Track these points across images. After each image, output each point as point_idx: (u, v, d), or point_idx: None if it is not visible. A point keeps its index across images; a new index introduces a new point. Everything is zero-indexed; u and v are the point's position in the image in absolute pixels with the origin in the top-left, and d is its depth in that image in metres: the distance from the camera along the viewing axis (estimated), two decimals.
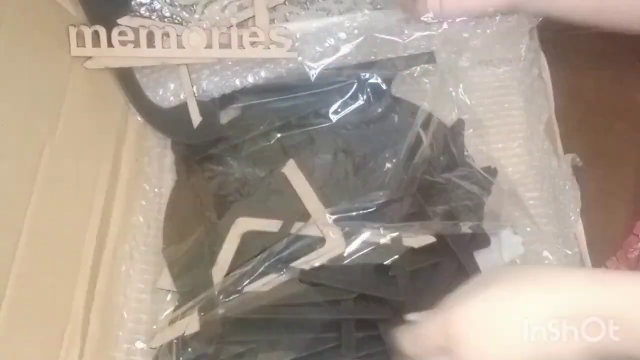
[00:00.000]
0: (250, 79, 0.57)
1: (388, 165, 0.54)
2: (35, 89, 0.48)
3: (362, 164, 0.55)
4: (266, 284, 0.49)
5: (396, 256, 0.49)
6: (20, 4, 0.46)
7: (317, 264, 0.49)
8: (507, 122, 0.59)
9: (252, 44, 0.54)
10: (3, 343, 0.40)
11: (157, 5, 0.55)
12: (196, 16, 0.56)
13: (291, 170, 0.55)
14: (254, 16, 0.55)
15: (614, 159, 0.60)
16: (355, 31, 0.55)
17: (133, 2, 0.55)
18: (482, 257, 0.51)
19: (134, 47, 0.54)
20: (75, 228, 0.50)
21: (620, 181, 0.59)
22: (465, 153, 0.56)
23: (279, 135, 0.57)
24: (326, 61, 0.55)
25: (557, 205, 0.54)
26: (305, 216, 0.52)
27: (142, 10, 0.55)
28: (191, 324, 0.49)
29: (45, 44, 0.50)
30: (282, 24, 0.55)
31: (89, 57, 0.54)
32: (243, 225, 0.53)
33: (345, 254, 0.49)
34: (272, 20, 0.56)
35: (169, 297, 0.53)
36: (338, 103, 0.57)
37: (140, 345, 0.52)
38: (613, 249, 0.58)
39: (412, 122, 0.54)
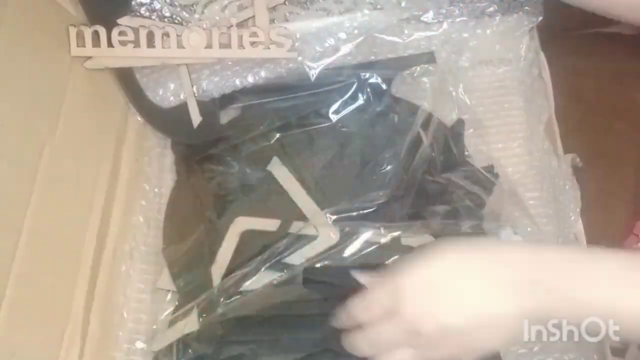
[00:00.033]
0: (250, 79, 0.57)
1: (388, 165, 0.54)
2: (35, 89, 0.48)
3: (362, 164, 0.55)
4: (266, 284, 0.49)
5: (396, 256, 0.49)
6: (20, 4, 0.46)
7: (317, 265, 0.49)
8: (507, 122, 0.59)
9: (252, 44, 0.54)
10: (3, 343, 0.40)
11: (157, 5, 0.55)
12: (196, 16, 0.56)
13: (276, 167, 0.55)
14: (254, 16, 0.55)
15: (614, 159, 0.60)
16: (355, 31, 0.55)
17: (133, 2, 0.55)
18: None
19: (134, 47, 0.54)
20: (75, 228, 0.50)
21: (620, 181, 0.59)
22: (466, 153, 0.56)
23: (279, 135, 0.57)
24: (326, 61, 0.55)
25: (557, 205, 0.54)
26: (304, 216, 0.52)
27: (142, 10, 0.55)
28: (191, 324, 0.49)
29: (45, 44, 0.50)
30: (282, 24, 0.55)
31: (89, 57, 0.54)
32: (242, 224, 0.53)
33: (345, 255, 0.49)
34: (272, 20, 0.56)
35: (169, 297, 0.53)
36: (338, 103, 0.57)
37: (140, 345, 0.52)
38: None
39: (412, 122, 0.54)
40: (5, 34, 0.44)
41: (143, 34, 0.54)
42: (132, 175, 0.57)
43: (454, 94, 0.57)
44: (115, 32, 0.53)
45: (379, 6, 0.57)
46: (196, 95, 0.57)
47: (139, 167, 0.58)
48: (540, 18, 0.58)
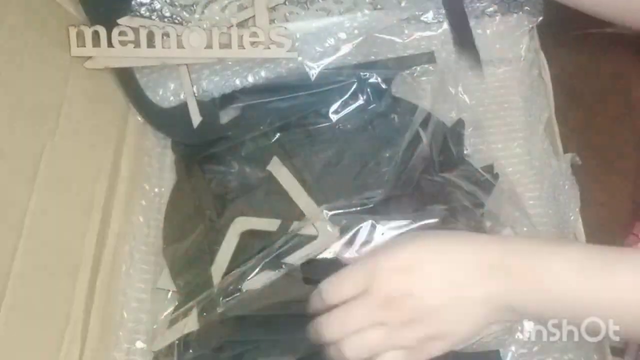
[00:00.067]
0: (250, 79, 0.57)
1: (388, 165, 0.54)
2: (35, 89, 0.48)
3: (362, 164, 0.55)
4: (266, 283, 0.49)
5: None
6: (20, 4, 0.46)
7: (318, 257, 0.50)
8: (507, 122, 0.59)
9: (252, 44, 0.54)
10: (3, 343, 0.40)
11: (157, 5, 0.55)
12: (196, 16, 0.56)
13: (276, 167, 0.55)
14: (254, 16, 0.55)
15: (614, 159, 0.60)
16: (355, 31, 0.55)
17: (133, 2, 0.55)
18: None
19: (134, 47, 0.54)
20: (75, 228, 0.50)
21: (620, 181, 0.59)
22: (465, 152, 0.56)
23: (279, 135, 0.57)
24: (326, 61, 0.55)
25: (556, 205, 0.54)
26: (304, 216, 0.52)
27: (142, 10, 0.55)
28: (191, 324, 0.49)
29: (45, 44, 0.50)
30: (282, 24, 0.55)
31: (89, 57, 0.54)
32: (242, 224, 0.53)
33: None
34: (272, 20, 0.56)
35: (169, 297, 0.53)
36: (338, 103, 0.57)
37: (140, 345, 0.52)
38: None
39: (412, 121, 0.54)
40: (5, 34, 0.44)
41: (143, 34, 0.54)
42: (132, 175, 0.57)
43: (453, 93, 0.57)
44: (115, 32, 0.53)
45: (379, 6, 0.57)
46: (196, 95, 0.57)
47: (139, 167, 0.58)
48: (540, 18, 0.58)
